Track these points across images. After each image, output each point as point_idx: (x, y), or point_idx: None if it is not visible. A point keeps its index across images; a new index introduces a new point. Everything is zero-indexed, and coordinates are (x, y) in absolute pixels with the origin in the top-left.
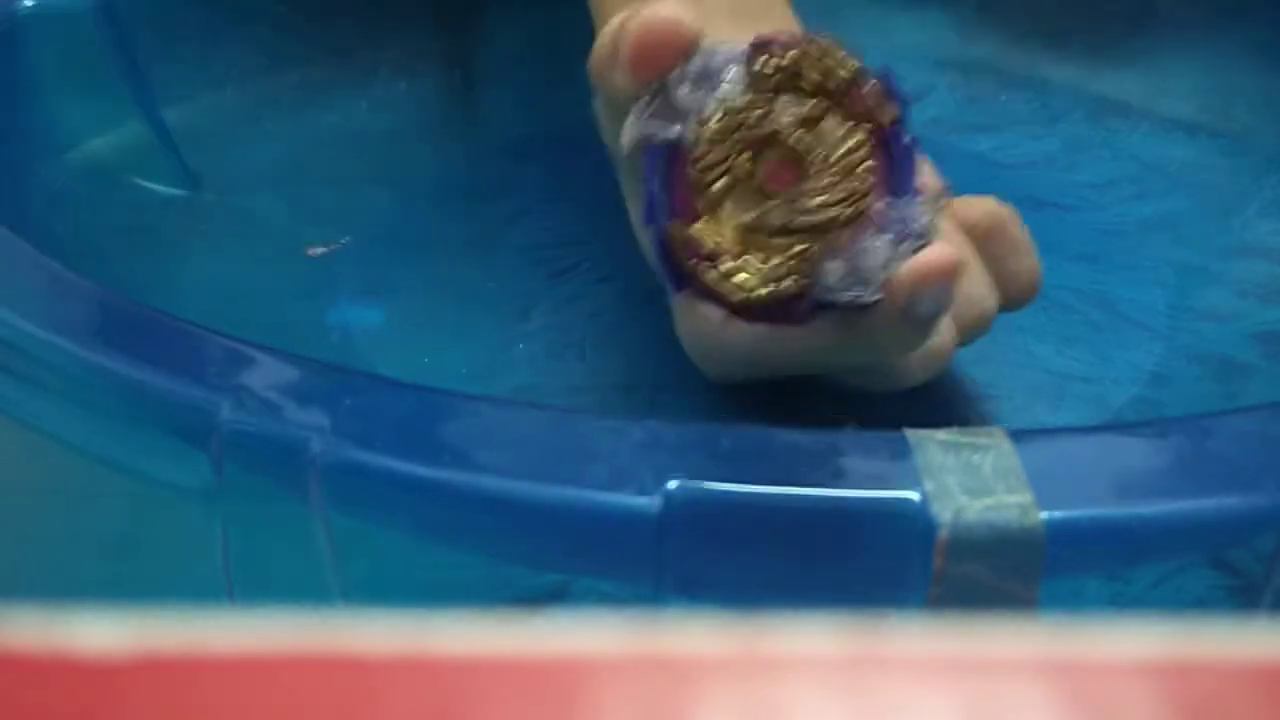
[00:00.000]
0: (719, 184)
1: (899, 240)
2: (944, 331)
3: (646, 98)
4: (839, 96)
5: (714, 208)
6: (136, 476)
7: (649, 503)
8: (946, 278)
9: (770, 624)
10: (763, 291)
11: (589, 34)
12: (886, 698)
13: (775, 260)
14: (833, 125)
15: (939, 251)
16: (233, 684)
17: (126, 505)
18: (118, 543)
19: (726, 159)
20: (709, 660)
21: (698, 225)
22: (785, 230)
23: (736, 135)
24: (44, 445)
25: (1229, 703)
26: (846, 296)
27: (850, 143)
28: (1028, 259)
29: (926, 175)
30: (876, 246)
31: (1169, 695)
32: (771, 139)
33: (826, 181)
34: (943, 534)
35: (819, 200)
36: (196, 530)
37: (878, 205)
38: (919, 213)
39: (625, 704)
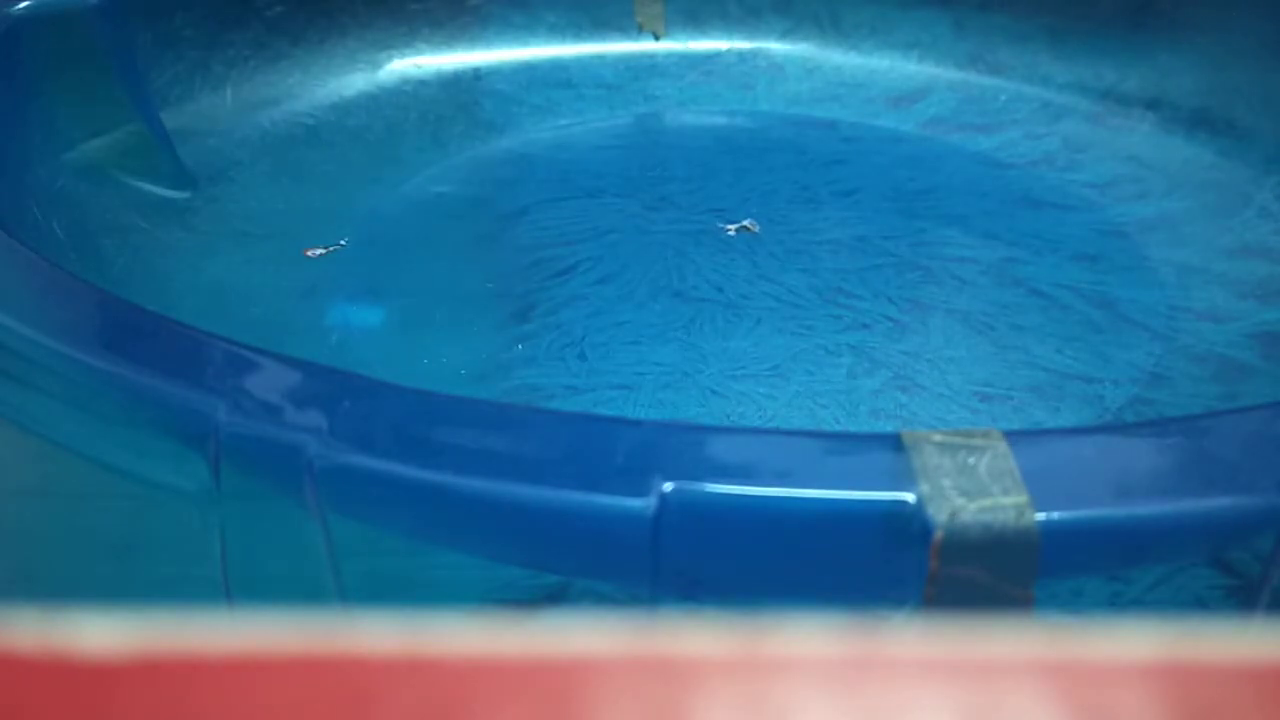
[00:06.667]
0: None
1: None
2: None
3: None
4: None
5: None
6: (135, 479)
7: (645, 504)
8: None
9: (769, 625)
10: None
11: (588, 36)
12: (884, 699)
13: None
14: None
15: None
16: (231, 685)
17: (125, 508)
18: (117, 545)
19: None
20: (708, 661)
21: None
22: None
23: None
24: (42, 449)
25: (1228, 703)
26: None
27: None
28: None
29: None
30: None
31: (1167, 696)
32: None
33: None
34: (938, 535)
35: None
36: (194, 532)
37: None
38: None
39: (624, 705)
